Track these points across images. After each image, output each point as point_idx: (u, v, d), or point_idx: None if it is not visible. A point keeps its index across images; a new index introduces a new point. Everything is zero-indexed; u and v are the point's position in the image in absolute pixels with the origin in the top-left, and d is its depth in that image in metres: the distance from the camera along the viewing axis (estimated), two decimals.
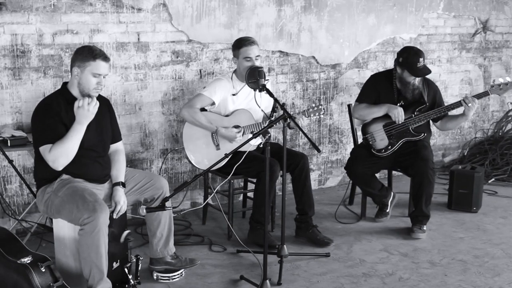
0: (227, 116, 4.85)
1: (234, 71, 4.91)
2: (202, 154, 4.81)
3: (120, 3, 5.00)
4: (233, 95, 4.84)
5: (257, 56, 4.76)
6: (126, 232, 3.90)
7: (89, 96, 3.77)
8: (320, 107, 4.82)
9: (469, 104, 4.90)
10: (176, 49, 5.33)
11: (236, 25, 5.56)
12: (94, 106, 3.70)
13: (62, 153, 3.67)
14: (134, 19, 5.09)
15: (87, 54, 3.73)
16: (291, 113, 4.74)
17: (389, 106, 5.09)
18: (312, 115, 4.82)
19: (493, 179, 6.65)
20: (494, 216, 5.56)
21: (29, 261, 3.47)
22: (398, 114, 5.04)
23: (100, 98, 3.88)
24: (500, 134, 7.36)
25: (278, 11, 5.77)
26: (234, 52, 4.83)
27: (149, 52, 5.21)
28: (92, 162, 3.88)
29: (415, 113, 5.09)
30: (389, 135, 5.13)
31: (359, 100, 5.33)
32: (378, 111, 5.15)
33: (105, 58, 3.78)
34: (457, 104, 5.01)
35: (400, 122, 5.06)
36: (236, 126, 4.84)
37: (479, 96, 5.03)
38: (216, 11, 5.43)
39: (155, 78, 5.28)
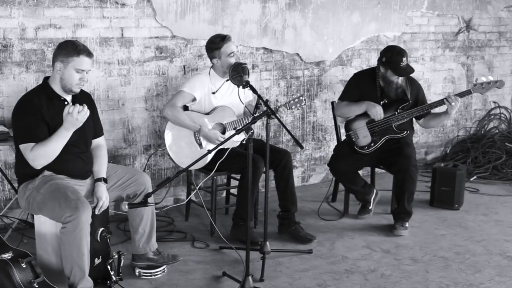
0: (208, 114, 4.84)
1: (212, 67, 4.89)
2: (185, 154, 4.78)
3: None
4: (213, 93, 4.83)
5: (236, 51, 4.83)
6: (100, 229, 3.86)
7: (71, 91, 3.75)
8: (301, 98, 4.84)
9: (452, 103, 4.93)
10: (160, 44, 5.31)
11: (220, 21, 5.55)
12: (84, 115, 3.61)
13: (44, 154, 3.64)
14: (118, 14, 5.06)
15: (70, 49, 3.70)
16: (273, 107, 4.74)
17: (368, 104, 5.11)
18: (293, 106, 4.84)
19: (475, 177, 6.69)
20: (475, 213, 5.60)
21: (9, 257, 3.45)
22: (377, 112, 5.06)
23: (82, 93, 3.86)
24: (482, 132, 7.42)
25: (263, 8, 5.77)
26: (214, 53, 4.78)
27: (133, 48, 5.19)
28: (74, 158, 3.84)
29: (398, 110, 5.11)
30: (372, 132, 5.14)
31: (342, 98, 5.35)
32: (358, 109, 5.17)
33: (89, 54, 3.75)
34: (440, 103, 5.03)
35: (379, 119, 5.08)
36: (219, 124, 4.83)
37: (461, 94, 5.05)
38: (200, 7, 5.42)
39: (139, 73, 5.26)
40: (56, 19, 4.82)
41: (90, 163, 3.98)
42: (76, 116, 3.58)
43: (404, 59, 4.98)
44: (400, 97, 5.14)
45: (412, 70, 5.03)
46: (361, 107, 5.14)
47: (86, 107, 3.63)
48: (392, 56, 5.01)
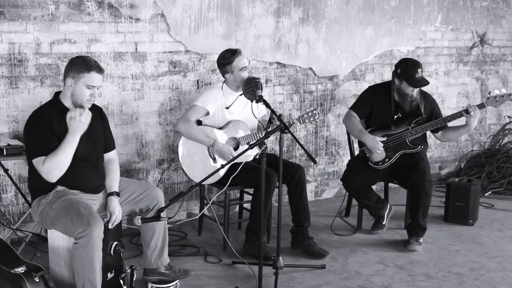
0: (221, 128, 4.84)
1: (224, 82, 4.90)
2: (199, 169, 4.78)
3: (118, 12, 5.01)
4: (227, 108, 4.83)
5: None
6: (113, 243, 3.86)
7: (81, 107, 3.76)
8: (314, 111, 4.83)
9: (471, 113, 4.90)
10: (174, 59, 5.33)
11: (234, 36, 5.57)
12: (86, 116, 3.64)
13: (56, 165, 3.65)
14: (132, 29, 5.09)
15: (81, 65, 3.71)
16: (286, 121, 4.73)
17: (368, 138, 5.09)
18: (307, 120, 4.84)
19: (489, 192, 6.64)
20: (490, 229, 5.55)
21: (23, 271, 3.46)
22: (372, 146, 5.06)
23: (92, 106, 3.86)
24: (497, 147, 7.37)
25: (276, 23, 5.78)
26: (226, 68, 4.78)
27: (147, 62, 5.21)
28: (87, 173, 3.86)
29: (412, 125, 5.08)
30: (386, 147, 5.12)
31: (353, 108, 5.32)
32: (359, 134, 5.16)
33: (100, 70, 3.76)
34: (454, 116, 5.00)
35: (373, 153, 5.10)
36: (232, 138, 4.84)
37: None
38: (214, 22, 5.45)
39: (152, 88, 5.28)
40: (71, 34, 4.85)
41: (103, 177, 3.98)
42: (78, 119, 3.60)
43: (419, 70, 4.96)
44: (414, 112, 5.11)
45: (427, 82, 5.01)
46: (363, 136, 5.12)
47: (87, 109, 3.66)
48: (407, 68, 5.00)
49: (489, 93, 5.11)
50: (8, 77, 4.69)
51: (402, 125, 5.09)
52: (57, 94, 3.88)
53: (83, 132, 3.68)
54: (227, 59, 4.77)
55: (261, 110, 5.00)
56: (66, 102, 3.79)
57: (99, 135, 3.96)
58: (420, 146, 5.12)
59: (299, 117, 4.85)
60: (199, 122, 4.85)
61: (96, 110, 3.98)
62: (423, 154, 5.21)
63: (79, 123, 3.63)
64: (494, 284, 4.36)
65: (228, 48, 4.91)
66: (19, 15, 4.64)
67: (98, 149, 3.97)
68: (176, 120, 5.13)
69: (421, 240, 5.04)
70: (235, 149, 4.83)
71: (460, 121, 5.07)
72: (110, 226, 3.80)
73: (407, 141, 5.10)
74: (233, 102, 4.83)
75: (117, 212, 3.86)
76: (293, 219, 4.93)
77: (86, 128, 3.69)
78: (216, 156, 4.79)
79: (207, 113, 4.80)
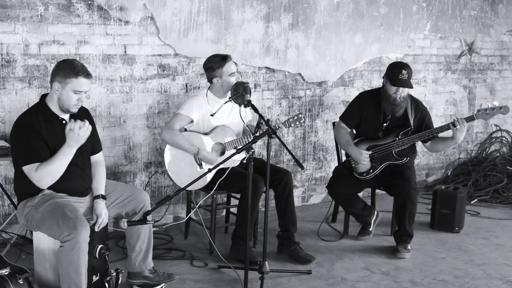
0: (207, 133, 4.84)
1: (209, 88, 4.89)
2: (186, 174, 4.76)
3: (107, 15, 5.00)
4: (211, 115, 4.82)
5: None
6: (99, 246, 3.85)
7: (68, 111, 3.74)
8: (300, 115, 4.84)
9: (457, 126, 4.90)
10: (163, 62, 5.33)
11: (223, 40, 5.57)
12: (86, 131, 3.61)
13: (49, 174, 3.63)
14: (121, 31, 5.09)
15: (69, 70, 3.67)
16: (273, 125, 4.73)
17: (353, 149, 5.10)
18: (293, 125, 4.84)
19: (475, 200, 6.67)
20: (476, 236, 5.57)
21: (6, 273, 3.43)
22: (356, 158, 5.08)
23: (79, 108, 3.84)
24: (483, 155, 7.41)
25: (266, 28, 5.79)
26: (215, 72, 4.76)
27: (135, 65, 5.20)
28: (74, 176, 3.83)
29: (399, 136, 5.08)
30: (372, 158, 5.11)
31: (343, 118, 5.31)
32: (348, 149, 5.16)
33: (87, 75, 3.72)
34: (443, 128, 5.00)
35: (358, 163, 5.11)
36: (218, 144, 4.83)
37: (466, 120, 5.01)
38: (203, 26, 5.45)
39: (141, 91, 5.27)
40: (60, 36, 4.84)
41: (90, 180, 3.97)
42: (77, 132, 3.58)
43: (404, 72, 4.93)
44: (402, 122, 5.10)
45: (410, 86, 4.96)
46: (351, 150, 5.12)
47: (87, 122, 3.63)
48: (393, 67, 5.01)
49: (480, 105, 5.10)
50: None
51: (390, 135, 5.08)
52: (44, 96, 3.85)
53: (80, 144, 3.65)
54: (216, 63, 4.76)
55: (248, 115, 5.00)
56: (53, 106, 3.77)
57: (86, 139, 3.94)
58: (406, 158, 5.09)
59: (285, 121, 4.86)
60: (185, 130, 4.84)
61: (83, 112, 3.95)
62: (410, 163, 5.21)
63: (77, 136, 3.60)
64: None
65: (216, 53, 4.91)
66: (8, 16, 4.62)
67: (84, 153, 3.94)
68: (161, 128, 5.11)
69: (409, 247, 5.05)
70: (221, 154, 4.83)
71: (449, 132, 5.06)
72: (96, 229, 3.79)
73: (393, 152, 5.08)
74: (218, 109, 4.82)
75: (104, 215, 3.84)
76: (279, 224, 4.93)
77: (83, 141, 3.65)
78: (203, 162, 4.78)
79: (191, 121, 4.79)
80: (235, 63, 4.95)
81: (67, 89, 3.68)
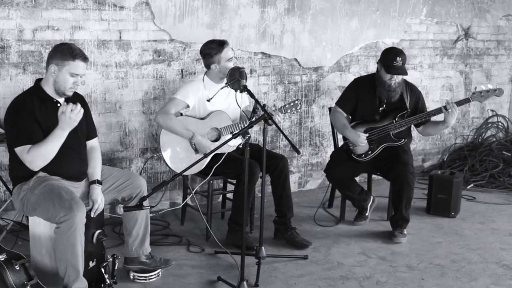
0: (203, 118, 4.82)
1: (205, 73, 4.88)
2: (181, 159, 4.76)
3: (102, 0, 4.96)
4: (208, 100, 4.80)
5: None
6: (97, 231, 3.85)
7: (64, 94, 3.74)
8: (297, 102, 4.84)
9: (449, 110, 4.90)
10: (158, 48, 5.30)
11: (219, 26, 5.54)
12: (78, 113, 3.61)
13: (41, 155, 3.62)
14: (116, 16, 5.05)
15: (66, 52, 3.68)
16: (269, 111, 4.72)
17: (350, 132, 5.10)
18: (289, 110, 4.83)
19: (471, 185, 6.68)
20: (472, 221, 5.58)
21: (3, 259, 3.43)
22: (354, 140, 5.08)
23: (74, 94, 3.84)
24: (479, 140, 7.41)
25: (261, 13, 5.76)
26: (213, 58, 4.74)
27: (131, 51, 5.18)
28: (69, 160, 3.83)
29: (396, 119, 5.09)
30: (370, 140, 5.12)
31: (339, 103, 5.31)
32: (345, 132, 5.16)
33: (84, 59, 3.73)
34: (438, 111, 5.01)
35: (356, 146, 5.11)
36: (214, 129, 4.81)
37: (460, 102, 5.04)
38: (199, 11, 5.42)
39: (136, 76, 5.25)
40: (54, 21, 4.81)
41: (85, 165, 3.96)
42: (69, 115, 3.57)
43: (399, 58, 4.94)
44: (398, 105, 5.12)
45: (405, 73, 4.98)
46: (348, 133, 5.12)
47: (79, 105, 3.63)
48: (387, 54, 5.02)
49: (475, 88, 5.12)
50: None
51: (387, 118, 5.10)
52: (38, 81, 3.84)
53: (72, 127, 3.65)
54: (214, 49, 4.74)
55: (244, 100, 4.99)
56: (48, 89, 3.77)
57: (81, 123, 3.92)
58: (403, 140, 5.13)
59: (281, 107, 4.85)
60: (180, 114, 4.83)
61: (78, 98, 3.94)
62: (407, 147, 5.22)
63: (69, 119, 3.59)
64: (475, 275, 4.39)
65: (213, 39, 4.88)
66: (1, 1, 4.59)
67: (80, 137, 3.94)
68: (156, 112, 5.10)
69: (405, 232, 5.06)
70: (217, 139, 4.82)
71: (440, 116, 5.07)
72: (92, 215, 3.79)
73: (391, 134, 5.10)
74: (215, 94, 4.80)
75: (100, 200, 3.84)
76: (276, 210, 4.93)
77: (76, 125, 3.65)
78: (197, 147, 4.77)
79: (187, 106, 4.78)
80: (232, 49, 4.92)
81: (63, 72, 3.68)
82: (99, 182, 3.92)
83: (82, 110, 3.64)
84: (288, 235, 4.86)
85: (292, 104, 4.84)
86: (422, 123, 5.16)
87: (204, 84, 4.82)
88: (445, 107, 4.93)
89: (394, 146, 5.13)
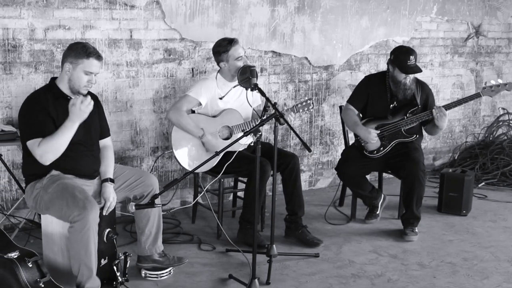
0: (215, 116, 4.83)
1: (219, 71, 4.88)
2: (192, 156, 4.77)
3: None
4: (220, 98, 4.81)
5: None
6: (107, 230, 3.86)
7: (78, 93, 3.76)
8: (309, 101, 4.83)
9: (437, 114, 4.92)
10: (169, 47, 5.31)
11: (229, 24, 5.55)
12: (88, 105, 3.65)
13: (51, 148, 3.64)
14: (127, 16, 5.07)
15: (81, 51, 3.71)
16: (280, 110, 4.72)
17: (361, 129, 5.10)
18: (301, 110, 4.83)
19: (483, 183, 6.66)
20: (483, 219, 5.57)
21: (16, 256, 3.44)
22: (365, 137, 5.07)
23: (88, 94, 3.85)
24: (490, 138, 7.38)
25: (272, 11, 5.76)
26: (222, 56, 4.75)
27: (141, 50, 5.19)
28: (82, 157, 3.85)
29: (407, 115, 5.09)
30: (381, 136, 5.12)
31: (350, 101, 5.31)
32: (356, 129, 5.16)
33: (99, 57, 3.76)
34: (428, 114, 5.04)
35: (368, 142, 5.11)
36: (225, 127, 4.82)
37: (471, 97, 5.06)
38: (209, 10, 5.42)
39: (147, 75, 5.26)
40: (65, 20, 4.83)
41: (98, 163, 3.98)
42: (79, 106, 3.61)
43: (412, 57, 4.95)
44: (409, 101, 5.11)
45: (419, 70, 5.00)
46: (360, 131, 5.12)
47: (89, 98, 3.67)
48: (400, 54, 5.01)
49: (485, 83, 5.12)
50: (2, 63, 4.67)
51: (398, 114, 5.10)
52: (53, 79, 3.87)
53: (82, 120, 3.68)
54: (223, 47, 4.75)
55: (256, 100, 4.99)
56: (63, 87, 3.80)
57: (94, 121, 3.95)
58: (415, 135, 5.13)
59: (293, 106, 4.85)
60: (191, 110, 4.84)
61: (92, 97, 3.94)
62: (418, 144, 5.22)
63: (79, 110, 3.62)
64: (487, 273, 4.37)
65: (225, 37, 4.89)
66: (13, 0, 4.61)
67: (93, 135, 3.96)
68: (168, 108, 5.11)
69: (416, 230, 5.05)
70: (228, 137, 4.82)
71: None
72: (104, 213, 3.80)
73: (402, 130, 5.10)
74: (227, 92, 4.81)
75: (112, 198, 3.85)
76: (287, 208, 4.93)
77: (86, 117, 3.68)
78: (206, 146, 4.78)
79: (199, 104, 4.79)
80: (243, 47, 4.92)
81: (78, 70, 3.71)
82: (112, 180, 3.94)
83: (92, 102, 3.67)
84: (299, 233, 4.86)
85: (304, 103, 4.83)
86: (428, 122, 5.15)
87: (217, 82, 4.83)
88: (432, 111, 4.94)
89: (405, 142, 5.12)
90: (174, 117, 4.72)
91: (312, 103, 4.87)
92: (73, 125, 3.66)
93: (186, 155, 4.79)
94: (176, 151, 4.79)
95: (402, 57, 4.98)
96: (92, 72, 3.75)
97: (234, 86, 4.75)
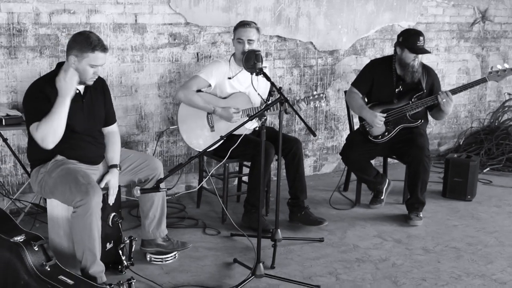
0: (224, 98, 4.84)
1: (233, 54, 4.89)
2: (196, 135, 4.81)
3: None
4: (229, 78, 4.82)
5: (250, 40, 4.74)
6: (112, 214, 3.88)
7: (84, 83, 3.75)
8: (322, 95, 4.81)
9: (443, 100, 4.91)
10: (174, 31, 5.30)
11: (234, 9, 5.53)
12: (72, 77, 3.61)
13: (49, 130, 3.58)
14: (131, 0, 5.05)
15: (85, 44, 3.65)
16: (290, 98, 4.72)
17: (368, 112, 5.10)
18: (312, 102, 4.82)
19: (488, 169, 6.65)
20: (488, 205, 5.57)
21: (22, 240, 3.45)
22: (371, 121, 5.07)
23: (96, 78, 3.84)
24: (496, 124, 7.37)
25: None
26: (233, 35, 4.84)
27: (146, 34, 5.18)
28: (87, 144, 3.85)
29: (413, 99, 5.07)
30: (386, 121, 5.11)
31: (355, 84, 5.30)
32: (362, 113, 5.15)
33: (104, 49, 3.71)
34: (433, 99, 5.03)
35: (373, 127, 5.11)
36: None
37: (477, 82, 5.06)
38: None
39: (152, 60, 5.25)
40: (70, 4, 4.82)
41: (102, 148, 3.98)
42: (63, 79, 3.58)
43: (421, 38, 4.96)
44: (415, 86, 5.10)
45: (428, 51, 5.02)
46: (366, 114, 5.11)
47: (71, 69, 3.63)
48: (409, 36, 5.00)
49: (491, 68, 5.10)
50: (7, 47, 4.66)
51: (404, 99, 5.09)
52: (60, 64, 3.83)
53: (71, 92, 3.62)
54: (236, 25, 4.83)
55: (261, 85, 4.98)
56: None
57: (99, 108, 3.93)
58: (420, 121, 5.12)
59: (305, 97, 4.83)
60: (199, 91, 4.85)
61: (99, 82, 3.94)
62: (423, 130, 5.21)
63: (65, 83, 3.58)
64: (491, 258, 4.38)
65: (247, 20, 4.92)
66: None
67: (97, 121, 3.96)
68: (175, 90, 5.11)
69: (421, 215, 5.06)
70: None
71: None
72: (109, 201, 3.80)
73: (407, 115, 5.09)
74: (236, 74, 4.82)
75: (116, 186, 3.86)
76: (289, 192, 4.94)
77: (74, 88, 3.64)
78: (215, 125, 4.79)
79: (209, 86, 4.80)
80: (250, 31, 4.84)
81: (83, 63, 3.67)
82: (119, 167, 3.95)
83: (76, 74, 3.64)
84: (302, 215, 4.86)
85: (316, 96, 4.81)
86: (434, 106, 5.14)
87: (229, 64, 4.85)
88: (438, 96, 4.94)
89: (410, 127, 5.11)
90: (183, 95, 4.75)
91: (325, 97, 4.84)
92: (64, 101, 3.60)
93: (190, 132, 4.82)
94: (181, 127, 4.83)
95: (411, 38, 4.97)
96: (98, 65, 3.72)
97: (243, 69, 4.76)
